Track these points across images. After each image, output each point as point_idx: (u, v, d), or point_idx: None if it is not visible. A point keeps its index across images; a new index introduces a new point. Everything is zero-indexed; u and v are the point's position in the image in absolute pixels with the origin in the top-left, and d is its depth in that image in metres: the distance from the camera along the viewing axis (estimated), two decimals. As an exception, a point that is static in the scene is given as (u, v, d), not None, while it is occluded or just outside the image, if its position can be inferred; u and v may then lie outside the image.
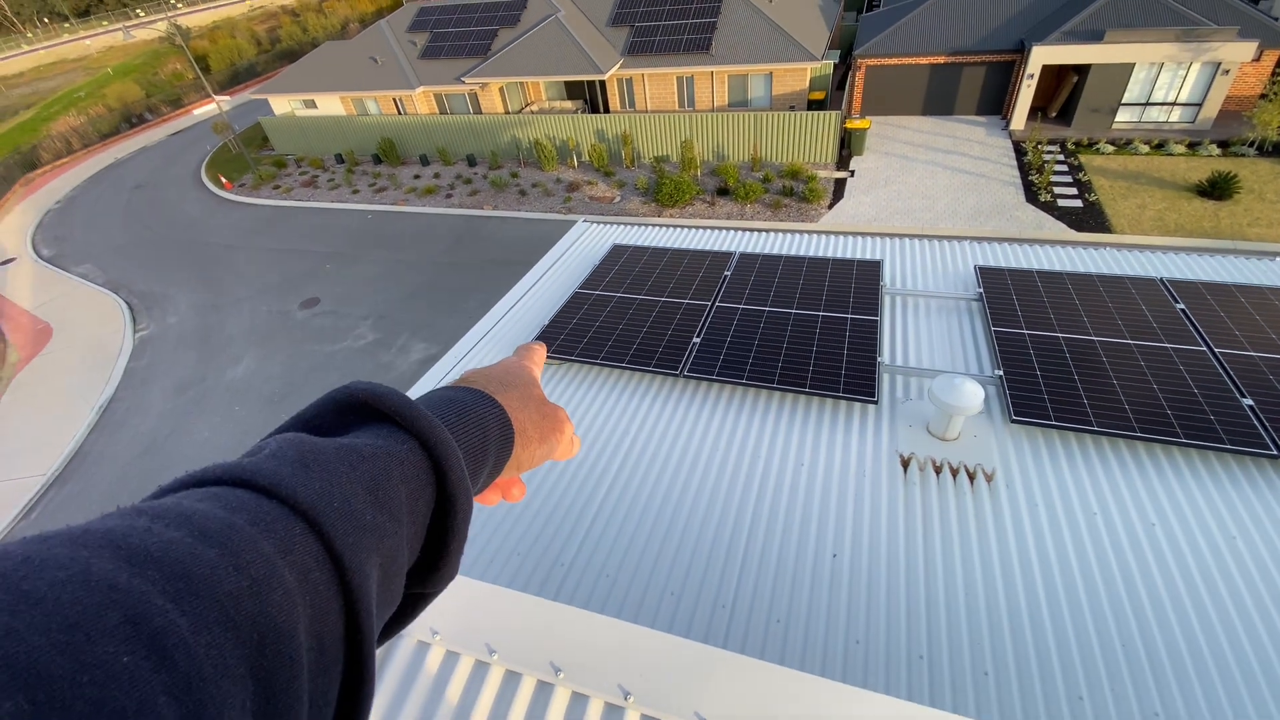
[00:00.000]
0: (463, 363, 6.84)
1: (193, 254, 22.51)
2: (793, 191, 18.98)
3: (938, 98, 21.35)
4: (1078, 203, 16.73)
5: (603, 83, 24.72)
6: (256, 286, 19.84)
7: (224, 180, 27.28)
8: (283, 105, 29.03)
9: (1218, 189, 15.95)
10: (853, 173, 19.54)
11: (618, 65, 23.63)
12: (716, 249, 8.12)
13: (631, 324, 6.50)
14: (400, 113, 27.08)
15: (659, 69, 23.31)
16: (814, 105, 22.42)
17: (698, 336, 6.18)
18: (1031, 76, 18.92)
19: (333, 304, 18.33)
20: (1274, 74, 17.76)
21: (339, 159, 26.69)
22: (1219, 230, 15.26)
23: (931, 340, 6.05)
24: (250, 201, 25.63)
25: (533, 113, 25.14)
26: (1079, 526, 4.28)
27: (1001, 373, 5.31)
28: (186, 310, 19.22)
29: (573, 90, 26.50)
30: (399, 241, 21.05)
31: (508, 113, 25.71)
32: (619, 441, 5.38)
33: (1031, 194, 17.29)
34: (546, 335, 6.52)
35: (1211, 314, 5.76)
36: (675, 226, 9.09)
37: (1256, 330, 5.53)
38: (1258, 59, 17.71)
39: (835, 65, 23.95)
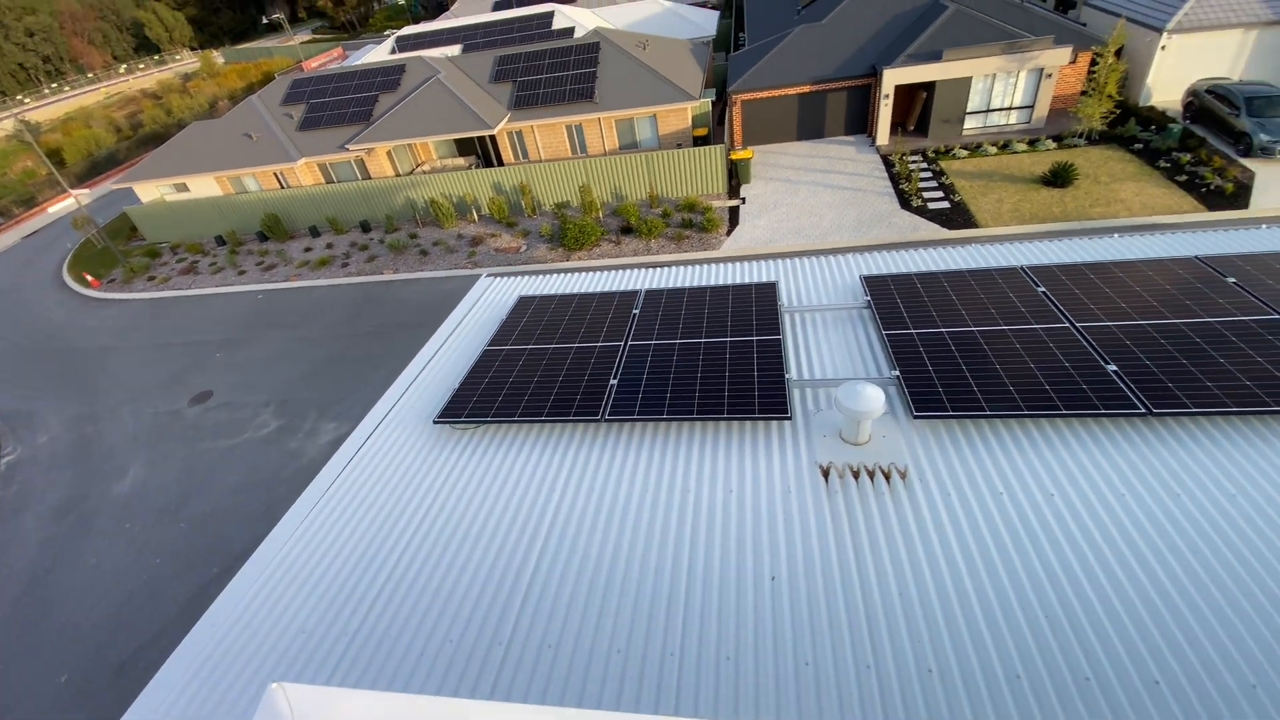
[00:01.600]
0: (373, 437, 6.47)
1: (60, 362, 20.34)
2: (692, 223, 19.68)
3: (809, 123, 23.01)
4: (945, 204, 18.33)
5: (493, 137, 24.90)
6: (137, 388, 18.13)
7: (90, 278, 25.02)
8: (150, 192, 27.21)
9: (1059, 178, 17.96)
10: (744, 200, 20.55)
11: (506, 119, 23.92)
12: (623, 289, 8.20)
13: (546, 375, 6.40)
14: (283, 186, 26.02)
15: (547, 120, 23.79)
16: (699, 141, 23.54)
17: (614, 378, 6.16)
18: (887, 97, 20.80)
19: (227, 394, 17.01)
20: (1090, 72, 20.41)
21: (220, 241, 25.19)
22: (1066, 214, 17.14)
23: (832, 351, 6.33)
24: (122, 297, 23.61)
25: (425, 173, 24.87)
26: (989, 508, 4.51)
27: (898, 373, 5.60)
28: (58, 426, 17.23)
29: (464, 147, 26.51)
30: (296, 318, 19.96)
31: (399, 175, 25.30)
32: (546, 500, 5.21)
33: (904, 201, 18.79)
34: (458, 398, 6.29)
35: (1069, 293, 6.38)
36: (584, 270, 9.15)
37: (1108, 302, 6.17)
38: (1073, 61, 20.34)
39: (713, 102, 25.36)
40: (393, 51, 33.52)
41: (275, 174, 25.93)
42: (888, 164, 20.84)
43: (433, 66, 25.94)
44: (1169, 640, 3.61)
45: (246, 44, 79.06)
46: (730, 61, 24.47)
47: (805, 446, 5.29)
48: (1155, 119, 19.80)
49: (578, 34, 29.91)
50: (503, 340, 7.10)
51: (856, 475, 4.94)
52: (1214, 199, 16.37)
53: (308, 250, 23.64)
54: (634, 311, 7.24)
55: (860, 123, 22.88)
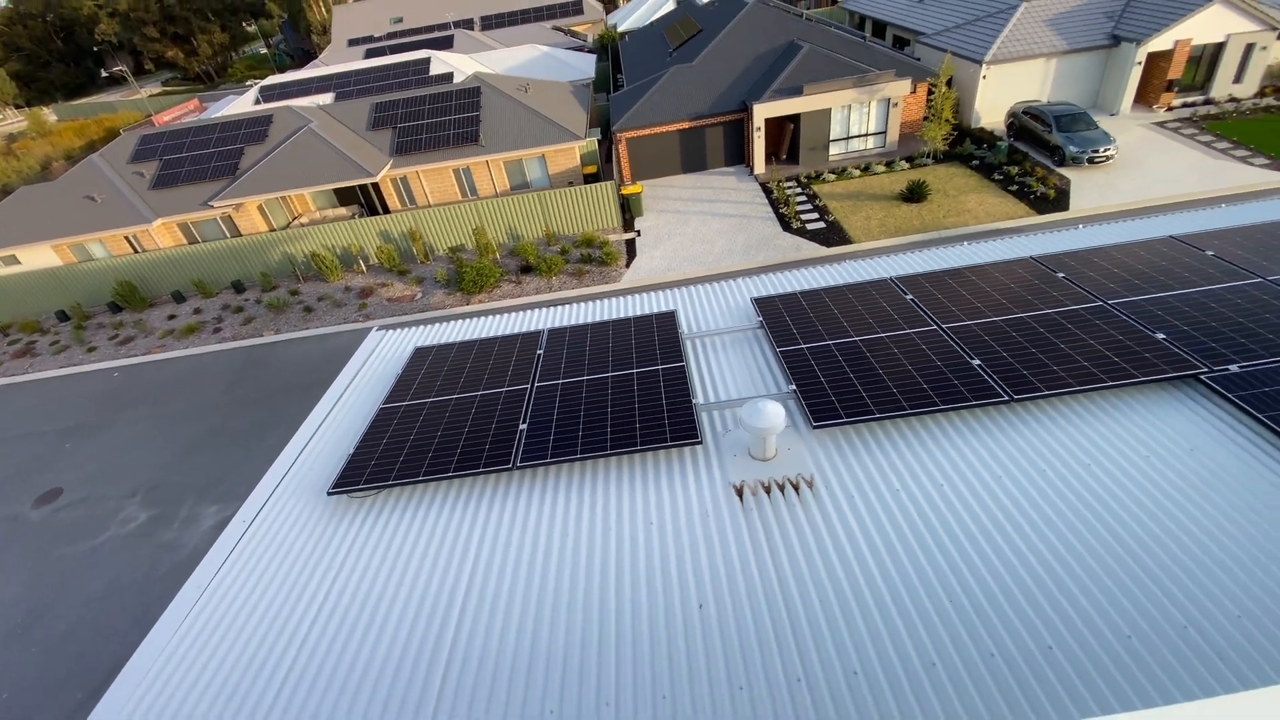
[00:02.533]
0: (260, 517, 5.89)
1: None
2: (591, 258, 19.91)
3: (691, 157, 24.18)
4: (821, 224, 19.78)
5: (376, 185, 24.07)
6: (-38, 495, 15.46)
7: (-109, 372, 21.24)
8: (-31, 266, 23.75)
9: (915, 194, 19.94)
10: (639, 232, 21.11)
11: (388, 166, 23.23)
12: (526, 329, 8.10)
13: (450, 427, 6.14)
14: (138, 251, 23.63)
15: (433, 164, 23.36)
16: (590, 179, 24.03)
17: (523, 423, 6.02)
18: (759, 129, 22.33)
19: (82, 489, 14.90)
20: (928, 100, 22.93)
21: (62, 316, 22.34)
22: (925, 226, 19.00)
23: (734, 372, 6.56)
24: (-63, 390, 20.22)
25: (304, 225, 23.52)
26: (889, 506, 4.80)
27: (794, 387, 5.89)
28: None
29: (345, 196, 25.40)
30: (162, 394, 17.98)
31: (273, 230, 23.75)
32: (460, 563, 4.95)
33: (785, 224, 20.08)
34: (354, 464, 5.88)
35: (933, 298, 7.03)
36: (486, 313, 8.94)
37: (966, 303, 6.85)
38: (914, 92, 22.82)
39: (599, 141, 26.05)
40: (257, 102, 31.77)
41: (127, 238, 23.51)
42: (767, 191, 22.22)
43: (303, 116, 24.82)
44: (1055, 606, 3.96)
45: (85, 99, 71.93)
46: (612, 102, 25.30)
47: (718, 468, 5.40)
48: (986, 138, 22.56)
49: (457, 79, 29.82)
50: (400, 396, 6.76)
51: (768, 490, 5.09)
52: (1041, 204, 18.79)
53: (171, 318, 21.50)
54: (538, 352, 7.15)
55: (738, 154, 24.31)
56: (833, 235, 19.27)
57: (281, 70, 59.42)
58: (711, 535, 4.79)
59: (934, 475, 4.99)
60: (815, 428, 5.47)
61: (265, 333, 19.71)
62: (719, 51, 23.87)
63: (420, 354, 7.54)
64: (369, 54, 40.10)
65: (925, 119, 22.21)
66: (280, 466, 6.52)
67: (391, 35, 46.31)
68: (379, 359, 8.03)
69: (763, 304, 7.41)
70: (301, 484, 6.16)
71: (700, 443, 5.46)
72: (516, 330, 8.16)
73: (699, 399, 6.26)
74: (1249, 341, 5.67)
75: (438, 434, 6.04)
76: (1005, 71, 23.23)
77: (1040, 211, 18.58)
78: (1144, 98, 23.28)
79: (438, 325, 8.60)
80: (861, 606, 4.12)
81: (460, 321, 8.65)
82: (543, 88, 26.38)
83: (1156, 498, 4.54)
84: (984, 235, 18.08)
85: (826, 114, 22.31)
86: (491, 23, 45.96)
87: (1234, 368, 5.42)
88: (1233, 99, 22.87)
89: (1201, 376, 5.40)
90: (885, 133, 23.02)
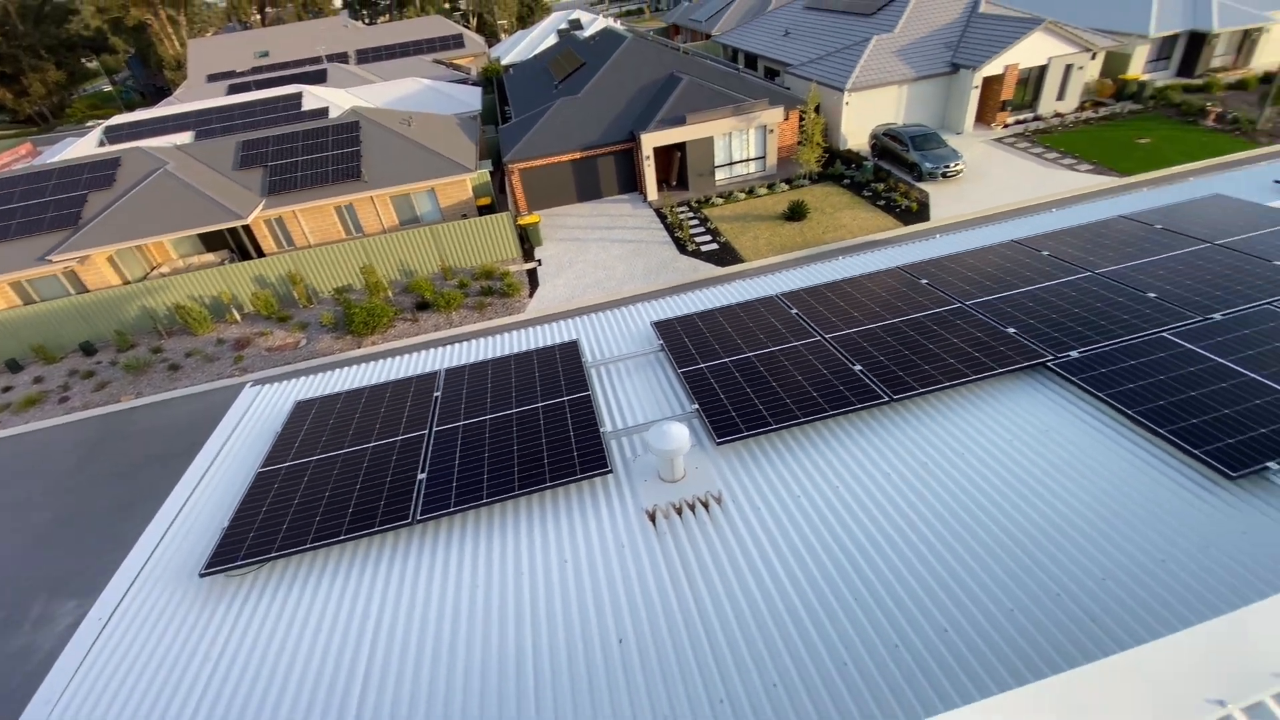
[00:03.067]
0: (121, 609, 5.15)
1: None
2: (492, 290, 19.51)
3: (586, 185, 24.49)
4: (715, 245, 20.60)
5: (248, 227, 22.38)
6: None
7: None
8: None
9: (796, 213, 21.27)
10: (540, 262, 20.99)
11: (260, 207, 21.68)
12: (421, 371, 7.74)
13: (341, 485, 5.71)
14: (-44, 315, 20.42)
15: (311, 203, 22.08)
16: (484, 210, 23.68)
17: (423, 472, 5.71)
18: (648, 157, 23.05)
19: (-111, 605, 12.44)
20: (800, 126, 24.62)
21: None
22: (807, 242, 20.28)
23: (639, 396, 6.60)
24: None
25: (165, 275, 21.37)
26: (792, 512, 4.97)
27: (697, 406, 6.01)
28: None
29: (212, 241, 23.39)
30: (-3, 479, 15.49)
31: (128, 283, 21.40)
32: (359, 636, 4.56)
33: (682, 247, 20.74)
34: (231, 539, 5.31)
35: (815, 311, 7.46)
36: (377, 357, 8.46)
37: (845, 313, 7.33)
38: (787, 118, 24.47)
39: (491, 173, 25.80)
40: (101, 144, 28.76)
41: (-60, 301, 20.28)
42: (661, 216, 22.88)
43: (157, 158, 22.71)
44: (945, 588, 4.24)
45: (-121, 145, 61.74)
46: (501, 133, 25.18)
47: (630, 495, 5.38)
48: (853, 159, 24.55)
49: (332, 114, 28.55)
50: (280, 456, 6.21)
51: (680, 512, 5.12)
52: (906, 216, 20.63)
53: (6, 390, 18.70)
54: (435, 394, 6.85)
55: (631, 181, 24.91)
56: (726, 255, 20.09)
57: (130, 109, 54.29)
58: (628, 566, 4.73)
59: (829, 478, 5.24)
60: (719, 444, 5.59)
61: (123, 397, 17.59)
62: (603, 84, 24.49)
63: (302, 408, 6.99)
64: (232, 89, 37.55)
65: (799, 143, 23.85)
66: (142, 550, 5.77)
67: (256, 70, 43.70)
68: (255, 418, 7.36)
69: (662, 327, 7.55)
70: (169, 567, 5.48)
71: (610, 471, 5.41)
72: (410, 373, 7.78)
73: (607, 427, 6.23)
74: (1084, 329, 6.46)
75: (326, 494, 5.59)
76: (865, 98, 25.47)
77: (906, 223, 20.37)
78: (983, 117, 26.32)
79: (321, 375, 8.03)
80: (775, 618, 4.20)
81: (346, 369, 8.13)
82: (428, 121, 25.82)
83: (1021, 476, 5.01)
84: (859, 248, 19.54)
85: (710, 141, 23.40)
86: (368, 56, 44.59)
87: (1074, 353, 6.14)
88: (1057, 114, 26.37)
89: (1048, 363, 6.06)
90: (765, 157, 24.46)
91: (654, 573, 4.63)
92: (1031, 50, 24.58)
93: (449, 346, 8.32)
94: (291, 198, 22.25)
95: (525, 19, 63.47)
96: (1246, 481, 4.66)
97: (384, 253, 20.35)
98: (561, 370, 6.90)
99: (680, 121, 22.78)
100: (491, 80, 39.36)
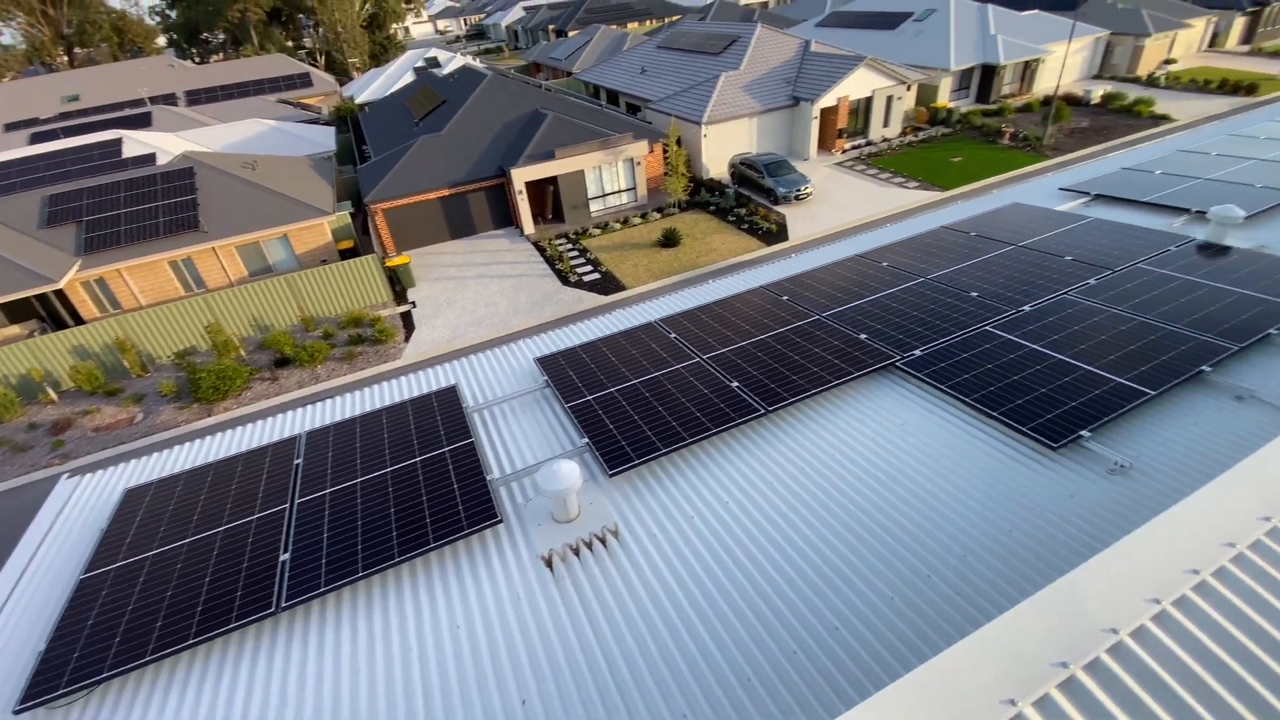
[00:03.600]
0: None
1: None
2: (362, 338, 18.30)
3: (458, 222, 23.89)
4: (597, 275, 20.85)
5: (60, 292, 19.41)
6: None
7: None
8: None
9: (670, 240, 22.11)
10: (414, 304, 20.04)
11: (74, 269, 18.92)
12: (279, 438, 7.01)
13: (187, 581, 4.98)
14: None
15: (140, 259, 19.61)
16: (347, 254, 22.31)
17: (285, 553, 5.12)
18: (521, 192, 22.98)
19: None
20: (665, 158, 25.75)
21: None
22: (683, 267, 21.11)
23: (526, 437, 6.41)
24: None
25: (-51, 356, 17.89)
26: (687, 535, 5.01)
27: (587, 440, 5.95)
28: None
29: (15, 311, 20.00)
30: None
31: (-102, 368, 17.65)
32: (219, 744, 3.95)
33: (564, 279, 20.77)
34: (51, 662, 4.43)
35: (692, 333, 7.71)
36: (231, 424, 7.52)
37: (720, 334, 7.64)
38: (651, 151, 25.52)
39: (352, 214, 24.43)
40: None
41: None
42: (540, 249, 22.80)
43: (-69, 217, 19.17)
44: (830, 585, 4.45)
45: None
46: (361, 173, 24.00)
47: (524, 542, 5.16)
48: (716, 186, 26.04)
49: (160, 160, 25.76)
50: (109, 557, 5.32)
51: (577, 552, 4.99)
52: (768, 237, 22.13)
53: None
54: (296, 461, 6.22)
55: (505, 216, 24.65)
56: (609, 284, 20.36)
57: (-109, 160, 45.50)
58: (526, 619, 4.51)
59: (719, 494, 5.37)
60: (612, 475, 5.54)
61: (-106, 509, 14.35)
62: (466, 121, 24.20)
63: (133, 496, 6.06)
64: (35, 139, 32.78)
65: (666, 174, 24.91)
66: (-83, 702, 4.64)
67: (65, 116, 38.60)
68: (74, 515, 6.26)
69: (546, 363, 7.43)
70: (-44, 717, 4.45)
71: (500, 521, 5.17)
72: (266, 440, 7.03)
73: (494, 474, 5.98)
74: (923, 329, 7.19)
75: (168, 594, 4.85)
76: (721, 130, 27.20)
77: (769, 243, 21.84)
78: (824, 144, 29.01)
79: (156, 455, 7.03)
80: (680, 646, 4.18)
81: (188, 445, 7.19)
82: (275, 164, 24.04)
83: (885, 469, 5.42)
84: (728, 270, 20.63)
85: (581, 175, 23.80)
86: (200, 97, 40.96)
87: (918, 351, 6.80)
88: (885, 139, 29.63)
89: (897, 363, 6.67)
90: (635, 188, 25.27)
91: (554, 622, 4.45)
92: (858, 84, 27.59)
93: (311, 406, 7.63)
94: (114, 255, 19.67)
95: (378, 57, 61.52)
96: (1067, 450, 5.36)
97: (233, 308, 18.48)
98: (440, 419, 6.55)
99: (549, 156, 22.99)
100: (346, 119, 37.56)
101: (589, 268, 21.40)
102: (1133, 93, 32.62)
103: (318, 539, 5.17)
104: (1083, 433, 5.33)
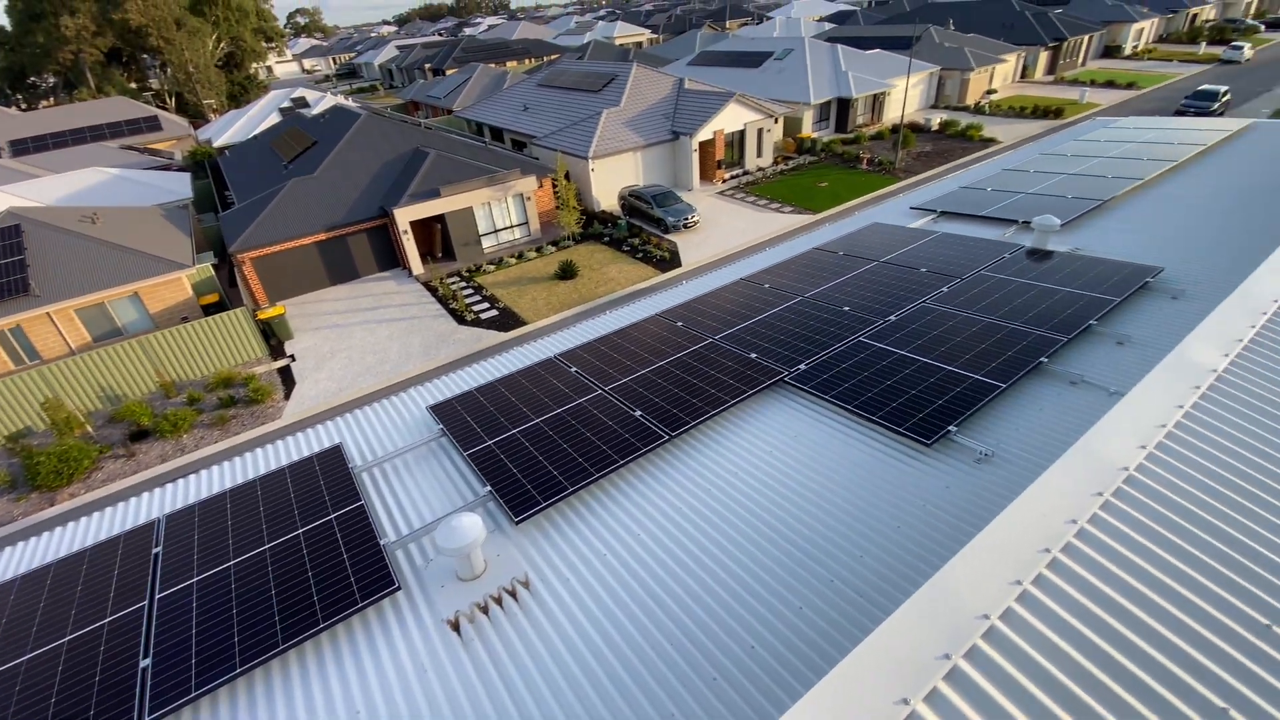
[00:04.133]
0: None
1: None
2: (234, 400, 16.66)
3: (339, 267, 22.61)
4: (494, 312, 20.42)
5: None
6: None
7: None
8: None
9: (567, 273, 22.16)
10: (293, 357, 18.59)
11: None
12: (132, 525, 6.17)
13: (24, 710, 4.20)
14: None
15: (-51, 332, 16.81)
16: (212, 309, 20.40)
17: (146, 657, 4.47)
18: (406, 232, 22.18)
19: None
20: (555, 192, 25.92)
21: None
22: (582, 298, 21.20)
23: (423, 493, 6.07)
24: None
25: None
26: (601, 574, 4.92)
27: (490, 488, 5.72)
28: None
29: None
30: None
31: None
32: None
33: (460, 318, 20.15)
34: None
35: (593, 366, 7.71)
36: (78, 513, 6.50)
37: (620, 364, 7.69)
38: (541, 185, 25.61)
39: (216, 266, 22.46)
40: None
41: None
42: (432, 289, 22.03)
43: None
44: (743, 603, 4.52)
45: None
46: (224, 221, 22.16)
47: (427, 608, 4.84)
48: (609, 218, 26.54)
49: (-26, 217, 22.40)
50: (-94, 698, 4.39)
51: (485, 610, 4.75)
52: (662, 264, 22.77)
53: None
54: (155, 550, 5.49)
55: (391, 258, 23.65)
56: (508, 320, 20.00)
57: None
58: (434, 691, 4.20)
59: (629, 527, 5.33)
60: (519, 523, 5.35)
61: None
62: (340, 161, 23.16)
63: (-58, 618, 5.07)
64: None
65: (557, 207, 25.07)
66: None
67: None
68: None
69: (440, 410, 7.11)
70: None
71: (399, 588, 4.82)
72: (118, 529, 6.17)
73: (389, 537, 5.59)
74: (806, 344, 7.63)
75: (-10, 731, 4.07)
76: (608, 164, 27.85)
77: (663, 270, 22.47)
78: (706, 174, 30.48)
79: (-25, 563, 5.95)
80: (602, 695, 4.06)
81: (20, 545, 6.15)
82: (120, 216, 21.68)
83: (784, 481, 5.64)
84: (627, 299, 20.97)
85: (469, 211, 23.40)
86: (27, 146, 36.34)
87: (803, 366, 7.20)
88: (760, 168, 31.59)
89: (785, 378, 7.01)
90: (527, 223, 25.20)
91: (465, 690, 4.18)
92: (731, 118, 29.36)
93: (173, 484, 6.80)
94: (-89, 329, 16.75)
95: (238, 98, 57.66)
96: (939, 445, 5.84)
97: (76, 379, 16.26)
98: (325, 483, 6.06)
99: (434, 194, 22.44)
100: (203, 164, 34.72)
101: (486, 305, 20.95)
102: (964, 119, 37.15)
103: (185, 636, 4.56)
104: (950, 428, 5.84)
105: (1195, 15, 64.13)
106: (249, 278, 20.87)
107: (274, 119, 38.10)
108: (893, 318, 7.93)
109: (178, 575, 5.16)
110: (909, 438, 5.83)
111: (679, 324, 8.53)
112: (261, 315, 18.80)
